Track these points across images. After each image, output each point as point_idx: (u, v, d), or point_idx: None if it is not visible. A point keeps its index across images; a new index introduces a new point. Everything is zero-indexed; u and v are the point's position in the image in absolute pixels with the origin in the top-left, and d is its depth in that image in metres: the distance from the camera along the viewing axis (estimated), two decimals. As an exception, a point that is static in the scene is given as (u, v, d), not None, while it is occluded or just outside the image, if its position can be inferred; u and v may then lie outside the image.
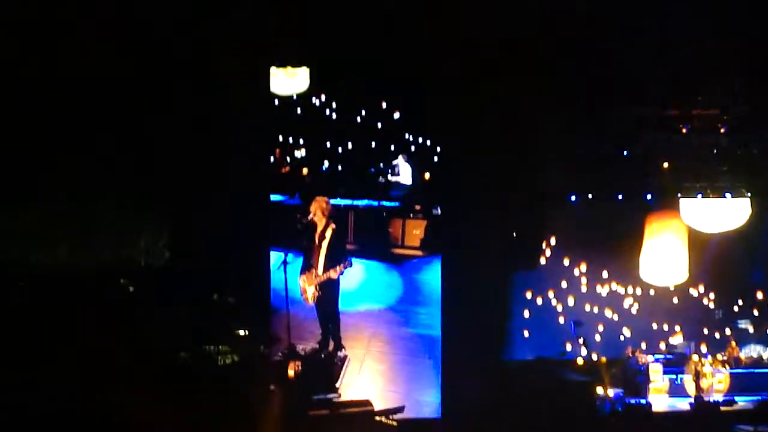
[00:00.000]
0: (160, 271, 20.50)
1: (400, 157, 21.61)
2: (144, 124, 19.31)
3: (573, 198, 23.01)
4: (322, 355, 21.03)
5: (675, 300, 24.23)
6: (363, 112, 21.59)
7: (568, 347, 23.17)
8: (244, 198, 20.25)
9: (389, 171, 21.70)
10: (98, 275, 19.89)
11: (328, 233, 20.70)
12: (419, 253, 21.34)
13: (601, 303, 24.05)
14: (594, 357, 22.78)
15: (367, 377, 21.02)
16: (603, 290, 24.12)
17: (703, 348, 23.21)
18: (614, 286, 24.18)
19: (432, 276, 21.16)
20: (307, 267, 20.86)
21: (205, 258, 20.19)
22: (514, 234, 21.76)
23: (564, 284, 23.90)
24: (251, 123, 20.01)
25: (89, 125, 19.03)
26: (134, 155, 19.38)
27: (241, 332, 20.68)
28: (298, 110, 21.55)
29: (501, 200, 20.96)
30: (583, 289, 23.95)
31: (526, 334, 23.34)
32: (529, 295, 23.51)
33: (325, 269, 20.65)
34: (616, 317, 23.96)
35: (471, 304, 20.52)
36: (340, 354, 21.09)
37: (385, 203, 21.65)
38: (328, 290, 20.86)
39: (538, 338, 23.48)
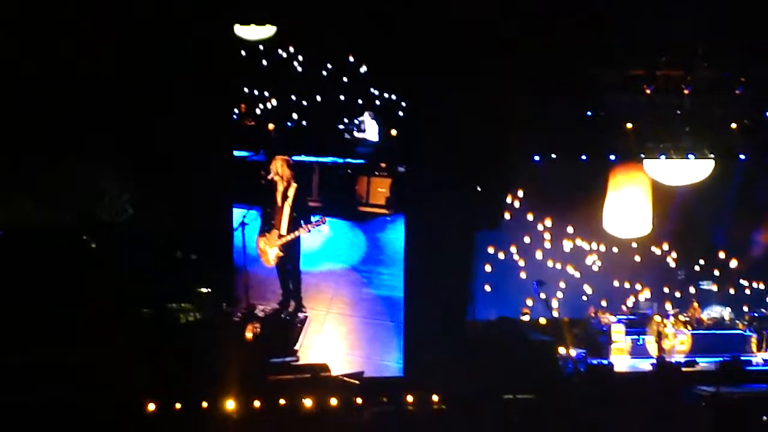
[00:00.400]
0: (122, 228, 20.40)
1: (367, 113, 21.23)
2: (104, 80, 19.17)
3: (537, 158, 22.96)
4: (282, 316, 21.04)
5: (637, 258, 24.35)
6: (329, 66, 21.28)
7: (529, 302, 23.17)
8: (206, 153, 20.06)
9: (355, 128, 21.31)
10: (60, 232, 19.87)
11: (291, 192, 20.65)
12: (384, 211, 21.01)
13: (564, 260, 24.17)
14: (556, 317, 22.83)
15: (328, 339, 21.03)
16: (566, 246, 24.24)
17: (666, 308, 23.35)
18: (578, 242, 24.30)
19: (396, 235, 20.88)
20: (268, 228, 20.81)
21: (168, 215, 20.18)
22: (478, 188, 21.37)
23: (527, 240, 23.99)
24: (214, 75, 19.82)
25: (50, 84, 19.01)
26: (95, 112, 19.26)
27: (204, 290, 20.50)
28: (264, 62, 21.34)
29: (466, 159, 20.58)
30: (547, 245, 24.00)
31: (488, 288, 23.38)
32: (491, 251, 23.53)
33: (290, 230, 20.56)
34: (578, 275, 24.07)
35: (434, 263, 20.26)
36: (301, 315, 21.09)
37: (350, 160, 21.32)
38: (291, 250, 20.80)
39: (501, 298, 23.43)
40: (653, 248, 24.33)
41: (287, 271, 21.11)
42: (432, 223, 20.45)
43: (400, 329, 20.55)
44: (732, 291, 24.38)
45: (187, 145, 19.69)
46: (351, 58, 21.00)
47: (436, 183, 20.38)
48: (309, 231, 20.52)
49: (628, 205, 24.22)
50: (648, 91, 21.52)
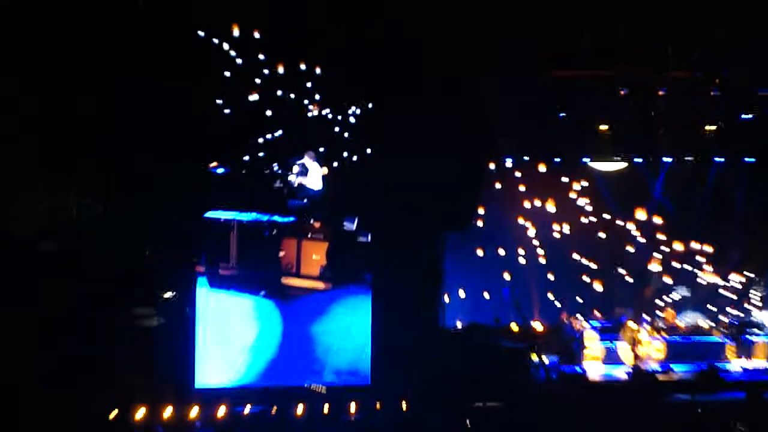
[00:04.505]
0: (87, 228, 19.31)
1: (307, 154, 18.70)
2: (66, 80, 18.33)
3: (509, 161, 22.95)
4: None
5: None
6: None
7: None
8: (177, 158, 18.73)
9: (290, 172, 18.57)
10: (24, 232, 18.82)
11: None
12: (320, 285, 18.66)
13: (537, 263, 24.12)
14: (529, 323, 22.46)
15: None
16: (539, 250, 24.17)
17: (640, 315, 23.02)
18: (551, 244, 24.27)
19: (339, 321, 18.79)
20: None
21: (134, 217, 19.02)
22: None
23: (498, 243, 23.80)
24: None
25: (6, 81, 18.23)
26: (55, 110, 18.44)
27: (168, 294, 19.35)
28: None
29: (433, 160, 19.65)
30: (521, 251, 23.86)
31: (462, 294, 23.00)
32: (461, 254, 23.02)
33: None
34: (552, 278, 23.95)
35: (401, 267, 19.32)
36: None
37: (278, 218, 18.58)
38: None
39: (472, 303, 23.07)
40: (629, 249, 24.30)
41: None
42: (396, 235, 19.18)
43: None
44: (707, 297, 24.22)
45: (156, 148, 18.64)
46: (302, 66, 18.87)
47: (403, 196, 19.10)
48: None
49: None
50: (622, 93, 21.15)
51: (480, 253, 23.63)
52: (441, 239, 20.75)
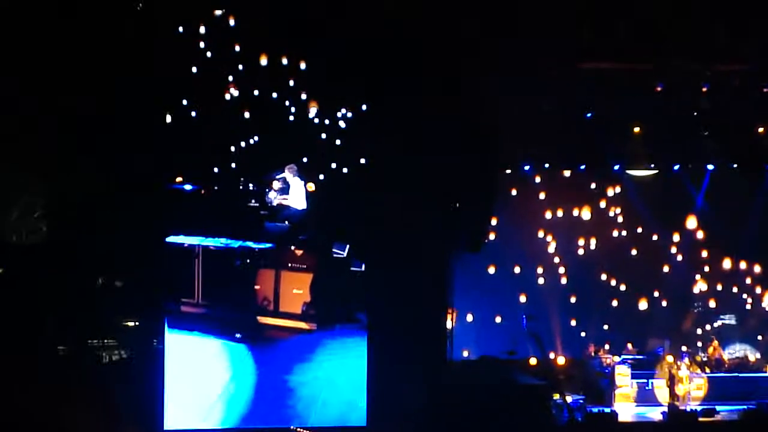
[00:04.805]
0: (35, 249, 18.18)
1: (287, 169, 16.70)
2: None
3: (527, 168, 21.72)
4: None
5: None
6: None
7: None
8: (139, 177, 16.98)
9: (268, 188, 16.75)
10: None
11: None
12: (302, 325, 16.59)
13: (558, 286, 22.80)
14: (550, 356, 21.20)
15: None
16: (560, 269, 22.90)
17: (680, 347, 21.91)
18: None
19: (325, 368, 16.68)
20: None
21: (88, 235, 17.45)
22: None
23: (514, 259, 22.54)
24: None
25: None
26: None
27: (131, 323, 18.04)
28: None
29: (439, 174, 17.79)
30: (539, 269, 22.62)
31: (470, 318, 21.71)
32: (470, 271, 21.17)
33: None
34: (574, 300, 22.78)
35: (403, 291, 17.38)
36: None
37: (251, 244, 16.47)
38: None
39: (481, 329, 21.86)
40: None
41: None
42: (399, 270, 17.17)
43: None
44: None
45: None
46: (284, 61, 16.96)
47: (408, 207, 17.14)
48: None
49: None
50: (658, 89, 19.63)
51: (491, 270, 22.21)
52: (448, 262, 18.91)
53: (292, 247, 16.65)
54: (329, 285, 16.65)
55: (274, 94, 16.96)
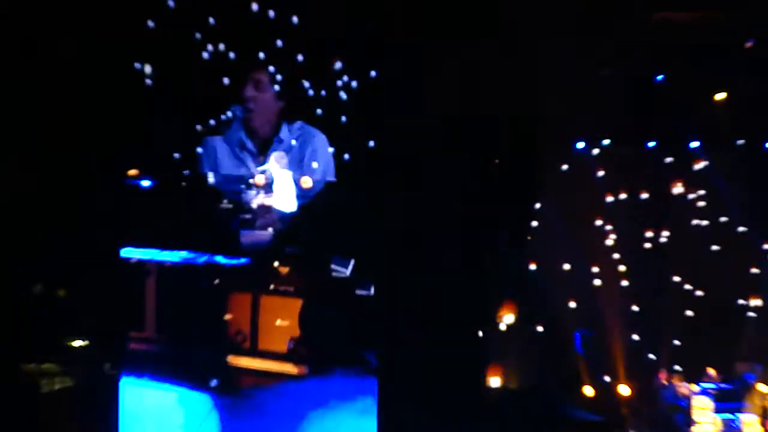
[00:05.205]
0: None
1: (273, 156, 13.54)
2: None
3: (581, 145, 19.04)
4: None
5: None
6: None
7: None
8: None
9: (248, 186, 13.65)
10: None
11: None
12: (289, 369, 13.47)
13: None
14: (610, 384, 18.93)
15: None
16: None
17: (775, 373, 19.57)
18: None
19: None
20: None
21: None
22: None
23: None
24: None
25: None
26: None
27: (79, 344, 15.72)
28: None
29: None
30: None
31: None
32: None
33: None
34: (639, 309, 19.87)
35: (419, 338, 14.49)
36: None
37: (222, 258, 13.37)
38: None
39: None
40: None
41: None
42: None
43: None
44: None
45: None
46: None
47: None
48: None
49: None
50: (748, 45, 17.20)
51: (532, 267, 19.26)
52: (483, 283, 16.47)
53: (276, 263, 13.28)
54: (325, 314, 13.33)
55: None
